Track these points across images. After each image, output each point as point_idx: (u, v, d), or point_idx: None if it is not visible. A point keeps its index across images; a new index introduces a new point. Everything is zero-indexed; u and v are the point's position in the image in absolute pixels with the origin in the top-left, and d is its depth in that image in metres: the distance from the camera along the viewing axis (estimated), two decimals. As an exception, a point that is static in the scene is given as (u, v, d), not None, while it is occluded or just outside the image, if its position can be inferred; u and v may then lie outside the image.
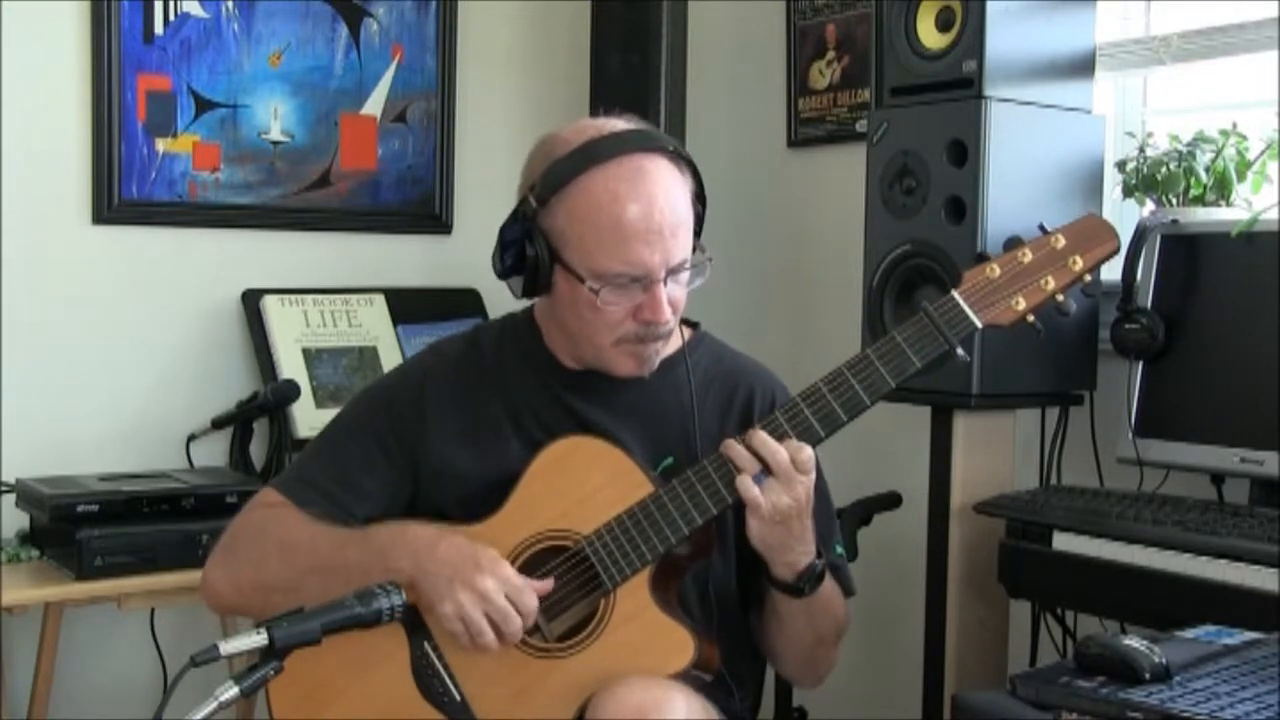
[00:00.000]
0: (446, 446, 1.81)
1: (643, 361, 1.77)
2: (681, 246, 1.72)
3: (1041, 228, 1.73)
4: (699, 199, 1.78)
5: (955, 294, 1.70)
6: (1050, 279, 1.70)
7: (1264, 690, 1.45)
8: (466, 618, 1.64)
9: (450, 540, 1.69)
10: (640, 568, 1.69)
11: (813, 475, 1.68)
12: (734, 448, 1.67)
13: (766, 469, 1.66)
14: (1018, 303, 1.70)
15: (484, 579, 1.64)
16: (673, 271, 1.72)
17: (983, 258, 1.73)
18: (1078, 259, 1.70)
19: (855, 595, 1.89)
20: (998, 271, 1.71)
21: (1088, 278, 1.72)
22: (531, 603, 1.66)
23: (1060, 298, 1.71)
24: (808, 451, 1.67)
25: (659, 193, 1.70)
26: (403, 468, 1.82)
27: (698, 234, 1.78)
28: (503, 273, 1.77)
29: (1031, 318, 1.71)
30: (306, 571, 1.73)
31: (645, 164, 1.71)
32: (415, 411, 1.83)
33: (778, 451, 1.65)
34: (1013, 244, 1.72)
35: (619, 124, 1.77)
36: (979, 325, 1.70)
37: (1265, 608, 1.85)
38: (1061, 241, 1.71)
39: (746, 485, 1.65)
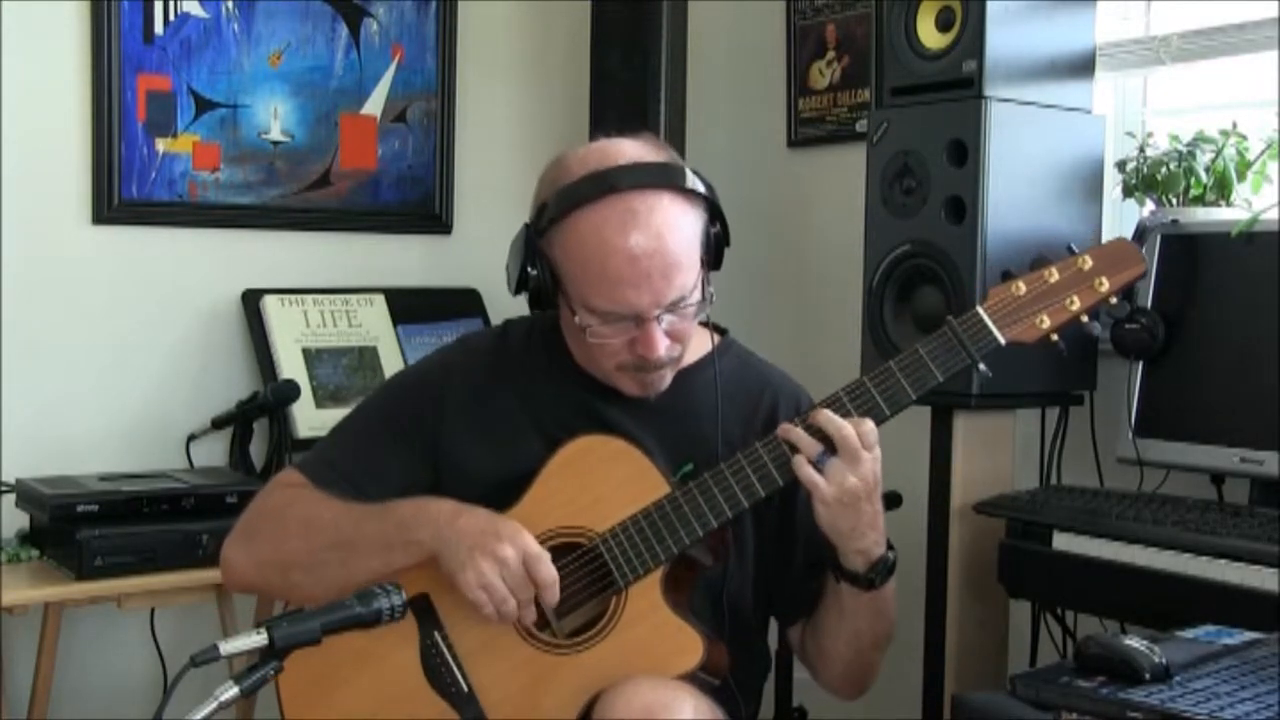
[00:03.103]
0: (467, 440, 1.81)
1: (646, 386, 1.76)
2: (677, 285, 1.68)
3: (1070, 248, 1.73)
4: (716, 218, 1.75)
5: (980, 310, 1.71)
6: (1076, 299, 1.70)
7: (1264, 690, 1.45)
8: (488, 585, 1.63)
9: (472, 512, 1.69)
10: (653, 568, 1.70)
11: (878, 452, 1.66)
12: (793, 430, 1.66)
13: (830, 448, 1.64)
14: (1042, 321, 1.70)
15: (504, 547, 1.64)
16: (671, 308, 1.69)
17: (1009, 275, 1.73)
18: (1104, 281, 1.70)
19: None
20: (1023, 289, 1.71)
21: (1113, 300, 1.72)
22: (550, 573, 1.65)
23: (1084, 318, 1.71)
24: (870, 425, 1.66)
25: (648, 236, 1.66)
26: (424, 456, 1.82)
27: (719, 260, 1.76)
28: (514, 289, 1.77)
29: (1055, 337, 1.71)
30: (326, 548, 1.74)
31: (637, 205, 1.67)
32: (439, 404, 1.83)
33: (843, 426, 1.64)
34: (1039, 263, 1.73)
35: (626, 151, 1.73)
36: (1003, 342, 1.70)
37: (1265, 608, 1.85)
38: (1089, 263, 1.71)
39: (802, 467, 1.64)
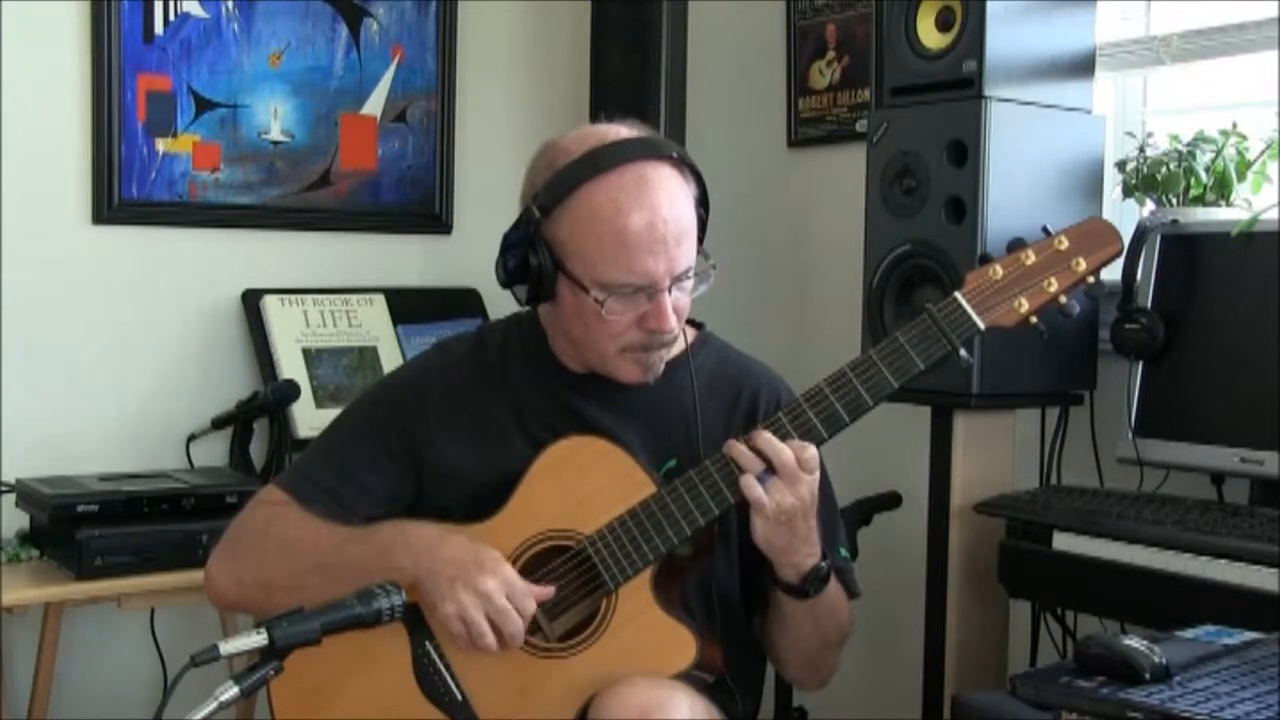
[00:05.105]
0: (450, 446, 1.81)
1: (647, 368, 1.77)
2: (686, 254, 1.71)
3: (1045, 230, 1.73)
4: (702, 204, 1.78)
5: (958, 295, 1.70)
6: (1053, 280, 1.70)
7: (1264, 690, 1.45)
8: (468, 618, 1.64)
9: (452, 540, 1.69)
10: (642, 568, 1.69)
11: (817, 474, 1.68)
12: (737, 447, 1.67)
13: (770, 468, 1.65)
14: (1020, 304, 1.70)
15: (485, 580, 1.64)
16: (677, 279, 1.71)
17: (986, 259, 1.72)
18: (1081, 261, 1.70)
19: (859, 597, 1.89)
20: (1000, 273, 1.70)
21: (1091, 279, 1.71)
22: (530, 607, 1.66)
23: (1063, 299, 1.71)
24: (811, 450, 1.67)
25: (663, 202, 1.69)
26: (406, 466, 1.82)
27: (701, 239, 1.78)
28: (506, 281, 1.77)
29: (1035, 319, 1.71)
30: (308, 569, 1.73)
31: (648, 172, 1.70)
32: (420, 410, 1.83)
33: (782, 450, 1.65)
34: (1016, 245, 1.72)
35: (621, 130, 1.76)
36: (982, 327, 1.69)
37: (1265, 608, 1.85)
38: (1065, 243, 1.71)
39: (750, 485, 1.65)
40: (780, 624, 1.81)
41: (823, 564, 1.73)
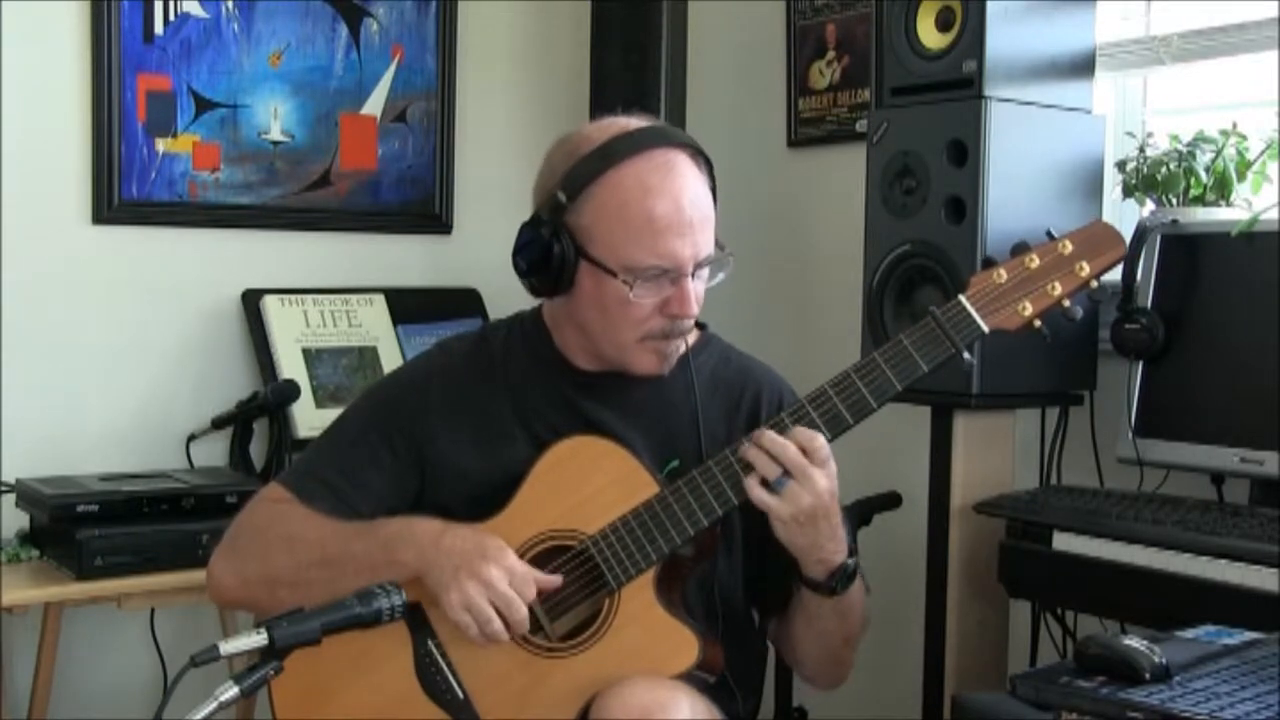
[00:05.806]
0: (453, 445, 1.81)
1: (664, 359, 1.78)
2: (707, 241, 1.74)
3: (1049, 233, 1.72)
4: (713, 195, 1.79)
5: (962, 299, 1.70)
6: (1058, 285, 1.70)
7: (1264, 690, 1.45)
8: (473, 606, 1.64)
9: (456, 532, 1.69)
10: (645, 568, 1.69)
11: (832, 467, 1.67)
12: (752, 451, 1.66)
13: (785, 472, 1.64)
14: (1025, 308, 1.70)
15: (489, 567, 1.64)
16: (700, 265, 1.73)
17: (990, 263, 1.72)
18: (1085, 265, 1.70)
19: (870, 593, 1.88)
20: (1005, 277, 1.70)
21: (1095, 284, 1.71)
22: (532, 593, 1.66)
23: (1067, 303, 1.71)
24: (820, 440, 1.65)
25: (687, 186, 1.72)
26: (409, 465, 1.82)
27: None
28: (525, 272, 1.77)
29: (1038, 323, 1.71)
30: (312, 565, 1.73)
31: (672, 158, 1.73)
32: (422, 410, 1.83)
33: (787, 446, 1.64)
34: (1020, 249, 1.72)
35: (639, 121, 1.78)
36: (985, 330, 1.69)
37: (1265, 608, 1.85)
38: (1069, 247, 1.71)
39: (754, 488, 1.65)
40: (805, 622, 1.80)
41: (849, 561, 1.72)
